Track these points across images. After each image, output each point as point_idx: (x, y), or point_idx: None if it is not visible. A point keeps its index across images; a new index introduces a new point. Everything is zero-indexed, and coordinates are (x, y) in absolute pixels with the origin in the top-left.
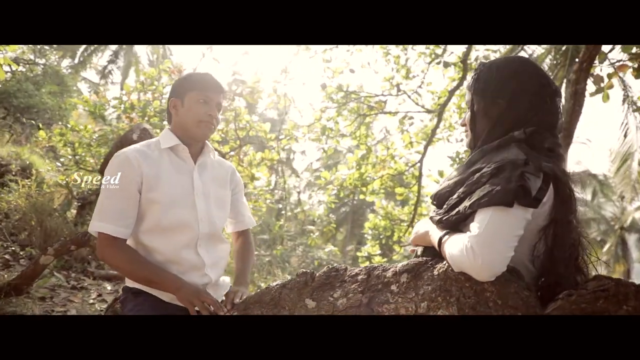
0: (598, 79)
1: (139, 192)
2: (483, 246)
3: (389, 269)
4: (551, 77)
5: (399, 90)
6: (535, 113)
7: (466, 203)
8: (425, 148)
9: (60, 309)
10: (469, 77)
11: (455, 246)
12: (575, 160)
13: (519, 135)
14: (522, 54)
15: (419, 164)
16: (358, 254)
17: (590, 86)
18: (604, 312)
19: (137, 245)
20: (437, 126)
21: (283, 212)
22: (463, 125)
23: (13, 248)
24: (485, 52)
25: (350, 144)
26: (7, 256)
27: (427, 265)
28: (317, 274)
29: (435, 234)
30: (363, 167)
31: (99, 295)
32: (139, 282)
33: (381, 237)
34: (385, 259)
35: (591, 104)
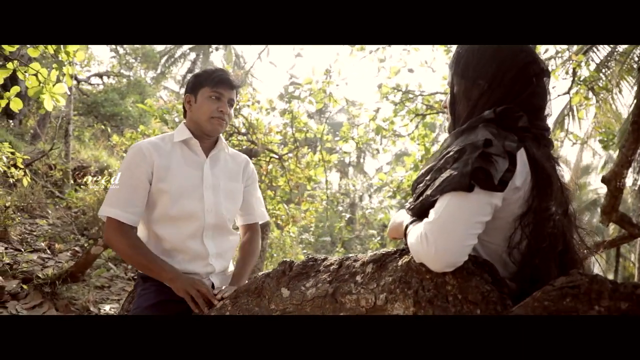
0: None
1: (149, 182)
2: (438, 233)
3: (360, 259)
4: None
5: None
6: (518, 94)
7: (428, 191)
8: None
9: (115, 297)
10: (452, 54)
11: (413, 234)
12: None
13: (488, 115)
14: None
15: None
16: None
17: None
18: (572, 311)
19: (149, 234)
20: None
21: (343, 214)
22: (444, 107)
23: (82, 241)
24: (550, 47)
25: (412, 144)
26: (76, 248)
27: (394, 256)
28: (296, 264)
29: (405, 223)
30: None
31: None
32: (139, 268)
33: None
34: (395, 247)
35: None
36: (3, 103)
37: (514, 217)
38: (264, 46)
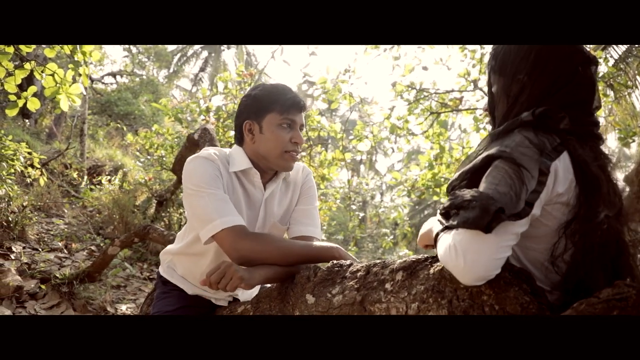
0: None
1: None
2: (467, 245)
3: (389, 265)
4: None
5: (475, 86)
6: (562, 86)
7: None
8: None
9: (131, 297)
10: (489, 54)
11: (443, 243)
12: None
13: (526, 118)
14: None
15: None
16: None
17: None
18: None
19: (180, 253)
20: None
21: (357, 213)
22: (484, 110)
23: (98, 241)
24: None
25: (430, 143)
26: (92, 247)
27: (425, 264)
28: (320, 269)
29: (435, 230)
30: (437, 167)
31: None
32: (293, 260)
33: None
34: (425, 254)
35: None
36: (21, 103)
37: (559, 225)
38: (277, 45)
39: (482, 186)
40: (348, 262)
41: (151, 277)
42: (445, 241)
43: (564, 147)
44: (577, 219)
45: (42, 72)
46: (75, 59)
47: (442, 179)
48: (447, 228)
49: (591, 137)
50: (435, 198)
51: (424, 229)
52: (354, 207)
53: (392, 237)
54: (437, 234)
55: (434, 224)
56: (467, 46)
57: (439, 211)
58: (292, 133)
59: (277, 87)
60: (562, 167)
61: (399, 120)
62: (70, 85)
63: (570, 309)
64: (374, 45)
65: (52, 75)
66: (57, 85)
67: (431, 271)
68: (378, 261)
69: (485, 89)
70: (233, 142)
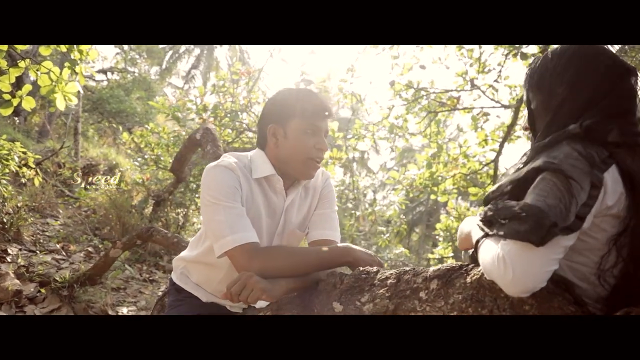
0: None
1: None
2: (516, 257)
3: (420, 273)
4: (621, 58)
5: (473, 85)
6: (604, 96)
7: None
8: (501, 146)
9: (132, 300)
10: (525, 73)
11: (488, 252)
12: None
13: (574, 130)
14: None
15: (494, 163)
16: (430, 255)
17: None
18: None
19: (194, 261)
20: (514, 122)
21: (353, 211)
22: (525, 129)
23: (95, 242)
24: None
25: (423, 141)
26: (89, 249)
27: (460, 272)
28: (347, 276)
29: (475, 235)
30: (434, 166)
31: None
32: (308, 270)
33: (454, 239)
34: (458, 263)
35: None
36: (15, 102)
37: (608, 238)
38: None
39: (530, 198)
40: (375, 268)
41: (151, 278)
42: (491, 250)
43: (612, 159)
44: (627, 231)
45: (38, 70)
46: (72, 57)
47: (440, 178)
48: (488, 235)
49: (637, 148)
50: (432, 197)
51: (462, 232)
52: (350, 205)
53: (387, 235)
54: (478, 241)
55: (472, 227)
56: (464, 45)
57: (479, 217)
58: (316, 139)
59: (303, 91)
60: (610, 180)
61: (397, 119)
62: (66, 84)
63: (620, 311)
64: (372, 45)
65: (48, 73)
66: (53, 83)
67: (468, 280)
68: (407, 269)
69: (484, 87)
70: (229, 140)
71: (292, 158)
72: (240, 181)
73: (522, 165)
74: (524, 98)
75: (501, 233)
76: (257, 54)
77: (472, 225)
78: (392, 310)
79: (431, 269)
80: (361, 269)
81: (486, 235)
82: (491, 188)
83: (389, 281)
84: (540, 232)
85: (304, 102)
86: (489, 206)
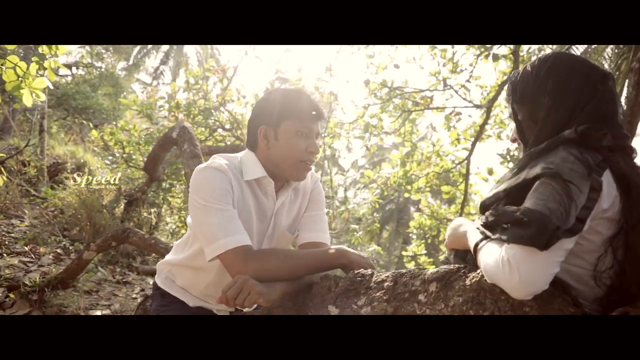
0: None
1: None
2: (521, 260)
3: (418, 275)
4: (603, 66)
5: (445, 85)
6: (587, 102)
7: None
8: (473, 145)
9: (105, 303)
10: (504, 91)
11: (491, 255)
12: None
13: (569, 135)
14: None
15: (466, 162)
16: (403, 253)
17: None
18: None
19: (181, 265)
20: (485, 122)
21: (327, 209)
22: (513, 141)
23: (64, 243)
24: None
25: (396, 140)
26: (59, 250)
27: (458, 274)
28: (342, 279)
29: (472, 237)
30: (408, 164)
31: (142, 290)
32: (303, 273)
33: (427, 236)
34: (431, 259)
35: None
36: None
37: (603, 240)
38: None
39: (530, 202)
40: (369, 271)
41: (124, 280)
42: (493, 254)
43: (606, 163)
44: (622, 233)
45: (2, 65)
46: (40, 51)
47: (414, 177)
48: (489, 238)
49: (626, 150)
50: (406, 195)
51: (454, 232)
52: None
53: (360, 232)
54: (477, 244)
55: (468, 229)
56: (437, 46)
57: (479, 222)
58: (308, 142)
59: (295, 92)
60: (606, 183)
61: (371, 118)
62: (33, 79)
63: (615, 311)
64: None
65: (14, 68)
66: (20, 79)
67: (467, 282)
68: (404, 271)
69: (456, 87)
70: (202, 139)
71: (284, 160)
72: (231, 183)
73: (517, 171)
74: (509, 112)
75: (504, 237)
76: (228, 50)
77: (467, 227)
78: (391, 314)
79: (429, 271)
80: (356, 272)
81: (485, 238)
82: (485, 194)
83: (386, 284)
84: (545, 236)
85: (296, 103)
86: (489, 211)
